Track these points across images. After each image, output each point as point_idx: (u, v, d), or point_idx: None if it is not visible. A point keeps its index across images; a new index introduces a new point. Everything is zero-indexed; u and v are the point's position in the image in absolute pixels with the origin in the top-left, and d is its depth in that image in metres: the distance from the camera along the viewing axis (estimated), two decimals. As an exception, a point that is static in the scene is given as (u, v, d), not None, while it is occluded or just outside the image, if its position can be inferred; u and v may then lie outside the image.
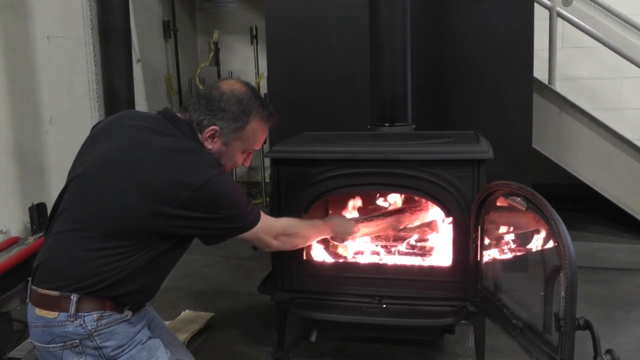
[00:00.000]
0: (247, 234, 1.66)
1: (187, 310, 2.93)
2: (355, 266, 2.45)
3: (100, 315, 1.50)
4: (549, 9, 4.00)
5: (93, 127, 1.74)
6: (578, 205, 4.63)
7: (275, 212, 2.38)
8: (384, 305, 2.32)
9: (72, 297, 1.48)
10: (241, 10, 5.20)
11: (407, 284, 2.33)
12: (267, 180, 4.88)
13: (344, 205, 2.65)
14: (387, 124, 2.64)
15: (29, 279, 1.60)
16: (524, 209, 1.81)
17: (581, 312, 2.94)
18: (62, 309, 1.48)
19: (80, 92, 3.76)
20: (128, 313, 1.57)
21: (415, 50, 2.73)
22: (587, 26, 4.09)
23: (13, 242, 3.05)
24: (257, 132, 1.70)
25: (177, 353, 1.76)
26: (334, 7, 3.47)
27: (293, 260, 2.39)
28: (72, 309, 1.48)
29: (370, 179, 2.33)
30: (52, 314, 1.49)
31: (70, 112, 3.65)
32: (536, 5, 3.42)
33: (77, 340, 1.49)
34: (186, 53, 5.07)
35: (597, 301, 3.01)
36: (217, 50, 4.93)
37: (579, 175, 3.93)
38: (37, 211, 3.23)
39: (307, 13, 3.53)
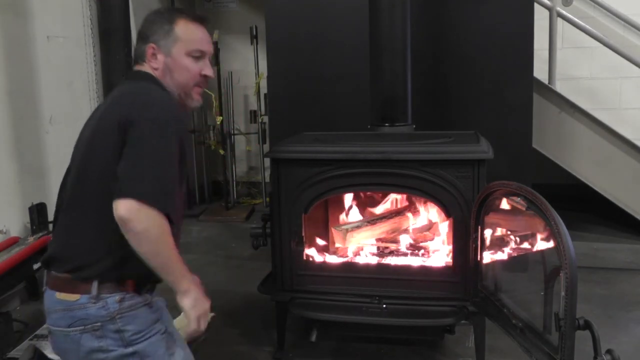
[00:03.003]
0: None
1: (187, 310, 2.92)
2: (355, 266, 2.45)
3: (122, 297, 1.49)
4: (549, 9, 4.00)
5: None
6: (578, 205, 4.62)
7: (276, 212, 2.38)
8: (384, 305, 2.32)
9: (93, 280, 1.47)
10: (241, 10, 5.20)
11: (407, 284, 2.33)
12: (267, 180, 4.88)
13: (343, 206, 2.65)
14: (387, 124, 2.64)
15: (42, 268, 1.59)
16: (524, 209, 1.81)
17: (581, 312, 2.95)
18: (84, 291, 1.47)
19: (80, 92, 3.76)
20: (147, 296, 1.56)
21: (415, 51, 2.73)
22: (587, 26, 4.09)
23: (13, 242, 3.05)
24: (191, 30, 1.64)
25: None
26: (334, 7, 3.47)
27: (293, 260, 2.39)
28: (94, 291, 1.46)
29: (370, 179, 2.33)
30: (73, 297, 1.48)
31: (70, 112, 3.64)
32: (536, 5, 3.42)
33: (99, 324, 1.47)
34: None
35: (597, 301, 3.01)
36: (217, 50, 4.93)
37: (579, 175, 3.93)
38: (37, 211, 3.23)
39: (307, 13, 3.53)
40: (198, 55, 1.64)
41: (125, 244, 1.43)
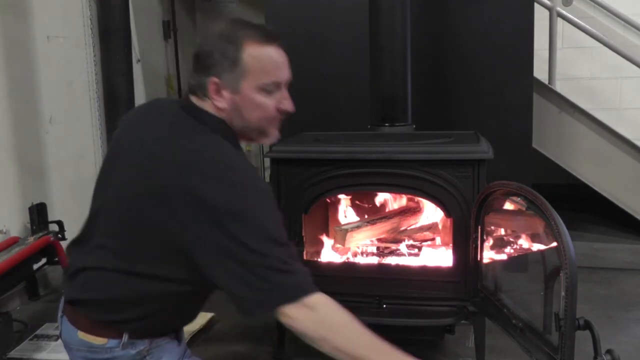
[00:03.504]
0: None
1: (187, 310, 2.92)
2: (355, 266, 2.45)
3: (150, 340, 1.38)
4: (549, 9, 4.00)
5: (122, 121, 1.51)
6: (578, 205, 4.62)
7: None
8: (384, 305, 2.31)
9: (124, 332, 1.34)
10: (241, 10, 5.20)
11: (407, 284, 2.33)
12: (267, 180, 4.88)
13: (344, 206, 2.65)
14: (387, 124, 2.64)
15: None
16: (523, 209, 1.81)
17: (581, 312, 2.95)
18: (113, 337, 1.34)
19: (80, 92, 3.76)
20: (173, 335, 1.46)
21: (415, 50, 2.73)
22: (587, 26, 4.09)
23: (13, 242, 3.05)
24: (262, 56, 1.32)
25: None
26: (334, 7, 3.47)
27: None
28: (125, 338, 1.34)
29: (370, 179, 2.33)
30: (100, 340, 1.34)
31: (70, 112, 3.64)
32: (536, 5, 3.42)
33: None
34: (186, 53, 5.06)
35: (597, 301, 3.01)
36: (217, 50, 4.93)
37: (579, 175, 3.93)
38: (37, 211, 3.22)
39: (307, 13, 3.53)
40: (272, 89, 1.35)
41: (158, 310, 1.33)
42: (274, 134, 1.41)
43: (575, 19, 4.09)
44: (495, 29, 3.28)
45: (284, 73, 1.37)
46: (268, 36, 1.34)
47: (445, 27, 3.37)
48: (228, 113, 1.34)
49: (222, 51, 1.31)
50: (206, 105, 1.35)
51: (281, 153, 2.38)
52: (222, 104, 1.33)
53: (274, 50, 1.35)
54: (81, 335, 1.35)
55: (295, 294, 1.20)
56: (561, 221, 1.64)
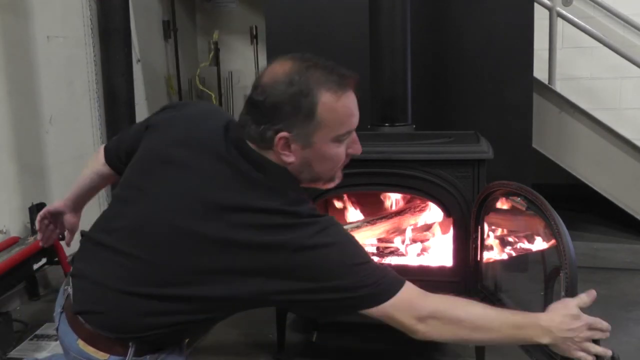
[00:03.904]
0: (373, 310, 1.22)
1: (187, 310, 2.92)
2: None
3: (155, 357, 1.30)
4: (549, 9, 4.00)
5: (157, 115, 1.43)
6: (578, 205, 4.62)
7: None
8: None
9: (130, 344, 1.25)
10: (241, 10, 5.20)
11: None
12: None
13: (344, 206, 2.65)
14: (387, 124, 2.64)
15: (66, 289, 1.36)
16: (523, 209, 1.81)
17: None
18: (115, 353, 1.26)
19: (80, 92, 3.76)
20: (177, 346, 1.38)
21: (415, 50, 2.73)
22: (587, 26, 4.09)
23: (13, 242, 3.05)
24: (338, 108, 1.20)
25: None
26: (334, 7, 3.47)
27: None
28: (129, 357, 1.26)
29: (370, 179, 2.33)
30: (101, 355, 1.27)
31: (70, 112, 3.64)
32: (536, 5, 3.42)
33: None
34: (186, 53, 5.07)
35: (597, 301, 2.99)
36: (217, 50, 4.93)
37: (579, 175, 3.93)
38: (37, 211, 3.21)
39: (307, 13, 3.53)
40: (346, 138, 1.26)
41: (177, 329, 1.26)
42: (339, 178, 1.35)
43: (575, 19, 4.09)
44: (495, 29, 3.28)
45: (357, 119, 1.27)
46: (343, 83, 1.22)
47: (445, 27, 3.37)
48: (296, 167, 1.25)
49: (294, 103, 1.18)
50: (267, 154, 1.23)
51: (281, 153, 2.37)
52: (290, 158, 1.23)
53: (348, 98, 1.23)
54: (81, 344, 1.29)
55: (389, 294, 1.21)
56: (561, 221, 1.64)
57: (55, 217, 1.71)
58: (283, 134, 1.19)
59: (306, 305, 1.24)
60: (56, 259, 3.11)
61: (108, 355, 1.26)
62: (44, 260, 3.13)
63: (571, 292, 1.56)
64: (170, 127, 1.35)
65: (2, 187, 3.13)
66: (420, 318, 1.21)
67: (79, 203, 1.69)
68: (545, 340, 1.24)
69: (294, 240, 1.16)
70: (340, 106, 1.21)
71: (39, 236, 1.75)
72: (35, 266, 3.11)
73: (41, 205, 3.27)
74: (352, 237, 1.26)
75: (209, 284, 1.20)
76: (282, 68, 1.22)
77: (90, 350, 1.27)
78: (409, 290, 1.23)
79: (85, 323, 1.28)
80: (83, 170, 1.66)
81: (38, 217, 1.70)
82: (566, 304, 1.34)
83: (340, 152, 1.27)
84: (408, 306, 1.21)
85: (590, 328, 1.32)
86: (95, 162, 1.61)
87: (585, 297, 1.38)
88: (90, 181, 1.64)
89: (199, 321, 1.28)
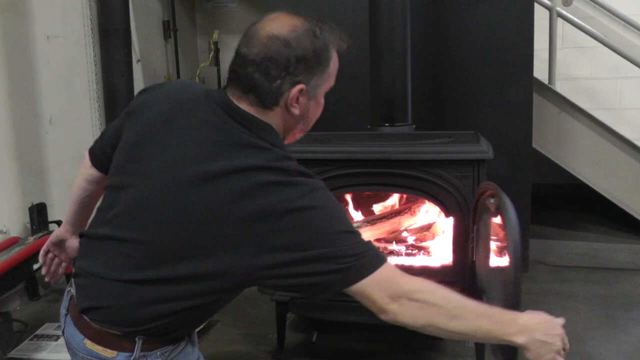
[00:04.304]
0: (353, 287, 1.17)
1: (187, 310, 2.92)
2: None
3: (162, 351, 1.28)
4: (549, 9, 4.01)
5: (139, 96, 1.39)
6: (578, 205, 4.63)
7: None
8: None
9: (137, 339, 1.24)
10: (241, 10, 5.20)
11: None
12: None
13: (344, 206, 2.65)
14: (387, 124, 2.64)
15: (69, 291, 1.34)
16: (493, 209, 1.81)
17: (581, 312, 2.97)
18: (124, 349, 1.24)
19: (80, 92, 3.76)
20: (185, 338, 1.35)
21: (415, 50, 2.73)
22: (587, 26, 4.09)
23: (13, 242, 3.06)
24: (336, 63, 1.31)
25: None
26: (334, 7, 3.47)
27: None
28: (137, 352, 1.24)
29: (370, 179, 2.33)
30: (109, 352, 1.25)
31: (70, 112, 3.64)
32: (536, 5, 3.42)
33: None
34: (186, 53, 5.07)
35: (597, 301, 3.01)
36: (217, 50, 4.93)
37: (579, 175, 3.93)
38: (37, 211, 3.23)
39: (307, 13, 3.52)
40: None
41: (188, 312, 1.24)
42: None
43: (575, 19, 4.09)
44: (495, 29, 3.28)
45: None
46: (340, 41, 1.31)
47: (445, 27, 3.37)
48: (296, 119, 1.28)
49: (318, 57, 1.23)
50: (260, 114, 1.24)
51: (281, 153, 2.37)
52: (297, 111, 1.25)
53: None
54: (88, 344, 1.27)
55: (369, 269, 1.16)
56: (516, 221, 1.58)
57: (59, 246, 1.61)
58: (301, 85, 1.22)
59: (292, 281, 1.18)
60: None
61: (116, 352, 1.25)
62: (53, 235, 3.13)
63: (512, 301, 1.48)
64: (149, 108, 1.32)
65: (2, 187, 3.13)
66: (394, 297, 1.16)
67: (80, 221, 1.58)
68: (520, 339, 1.18)
69: (281, 203, 1.13)
70: (336, 62, 1.31)
71: (43, 271, 1.60)
72: (35, 266, 3.10)
73: (41, 205, 3.27)
74: (339, 205, 1.24)
75: (201, 257, 1.18)
76: (295, 25, 1.25)
77: (98, 349, 1.26)
78: (390, 267, 1.19)
79: (90, 322, 1.26)
80: (74, 181, 1.56)
81: (41, 252, 1.60)
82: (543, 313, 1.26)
83: (323, 103, 1.33)
84: (386, 283, 1.17)
85: (563, 341, 1.23)
86: (83, 169, 1.54)
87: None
88: (83, 191, 1.55)
89: (198, 307, 1.24)
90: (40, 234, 3.16)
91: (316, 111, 1.31)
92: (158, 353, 1.27)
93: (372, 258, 1.17)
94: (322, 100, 1.31)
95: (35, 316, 2.95)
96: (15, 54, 3.23)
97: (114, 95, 3.71)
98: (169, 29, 4.82)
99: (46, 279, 1.62)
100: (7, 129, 3.17)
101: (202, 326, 2.73)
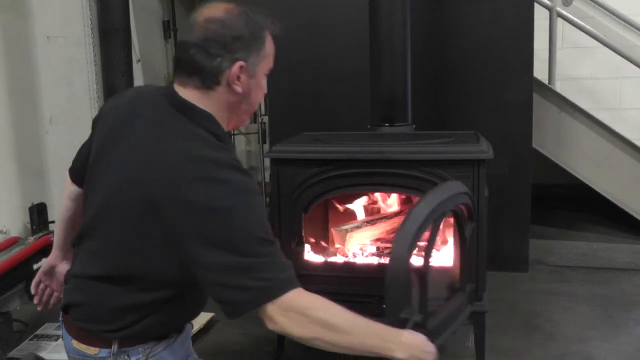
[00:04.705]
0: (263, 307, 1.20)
1: (187, 310, 2.92)
2: (355, 266, 2.45)
3: (144, 347, 1.32)
4: (549, 9, 4.01)
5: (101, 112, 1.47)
6: (578, 205, 4.63)
7: (276, 212, 2.38)
8: (384, 306, 2.31)
9: (113, 340, 1.30)
10: (241, 10, 5.19)
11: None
12: (267, 180, 4.88)
13: (344, 207, 2.65)
14: (387, 124, 2.64)
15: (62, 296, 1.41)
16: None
17: (581, 312, 2.96)
18: (104, 346, 1.30)
19: (80, 92, 3.76)
20: (173, 336, 1.38)
21: (415, 50, 2.73)
22: (587, 26, 4.10)
23: (13, 242, 3.05)
24: (272, 47, 1.37)
25: None
26: (334, 7, 3.47)
27: (292, 260, 2.39)
28: (115, 347, 1.30)
29: (370, 179, 2.33)
30: (92, 350, 1.31)
31: (70, 112, 3.64)
32: (536, 5, 3.42)
33: None
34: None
35: (597, 301, 3.01)
36: (217, 50, 4.92)
37: (579, 175, 3.93)
38: (37, 211, 3.23)
39: (307, 13, 3.53)
40: (268, 75, 1.41)
41: (163, 307, 1.29)
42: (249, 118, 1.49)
43: (575, 19, 4.09)
44: (495, 29, 3.28)
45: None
46: (275, 25, 1.39)
47: (445, 27, 3.37)
48: (239, 98, 1.34)
49: (253, 35, 1.31)
50: (203, 97, 1.31)
51: (281, 153, 2.38)
52: (239, 88, 1.31)
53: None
54: (74, 344, 1.34)
55: (276, 293, 1.19)
56: (417, 217, 1.57)
57: (50, 275, 1.64)
58: (241, 62, 1.29)
59: (214, 283, 1.20)
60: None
61: (98, 349, 1.30)
62: (44, 261, 3.13)
63: (392, 311, 1.48)
64: (111, 114, 1.40)
65: (2, 187, 3.13)
66: (286, 310, 1.19)
67: (68, 245, 1.57)
68: (400, 355, 1.26)
69: (208, 201, 1.18)
70: (272, 45, 1.37)
71: (35, 300, 1.62)
72: (35, 266, 3.10)
73: (41, 205, 3.27)
74: (263, 209, 1.26)
75: (144, 250, 1.24)
76: (229, 8, 1.32)
77: (82, 347, 1.32)
78: (297, 291, 1.22)
79: (73, 321, 1.34)
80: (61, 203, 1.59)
81: (33, 283, 1.62)
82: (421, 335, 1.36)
83: (265, 85, 1.40)
84: (286, 304, 1.20)
85: (434, 355, 1.34)
86: (66, 187, 1.57)
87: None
88: (67, 210, 1.58)
89: (163, 301, 1.28)
90: (40, 234, 3.16)
91: (258, 92, 1.37)
92: (140, 349, 1.31)
93: (283, 280, 1.21)
94: (263, 82, 1.38)
95: (35, 316, 2.95)
96: (15, 54, 3.23)
97: (114, 95, 3.71)
98: (169, 29, 4.81)
99: (38, 308, 1.64)
100: (7, 129, 3.17)
101: (195, 329, 2.74)
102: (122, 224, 1.25)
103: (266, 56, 1.35)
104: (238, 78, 1.30)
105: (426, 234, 1.64)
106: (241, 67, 1.29)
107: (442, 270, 2.32)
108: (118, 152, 1.30)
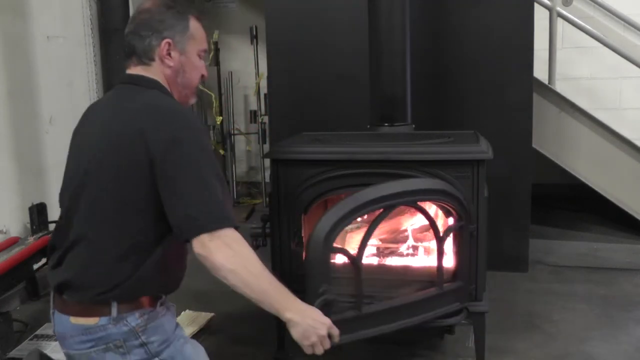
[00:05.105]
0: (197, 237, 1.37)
1: (187, 310, 2.93)
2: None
3: (142, 313, 1.45)
4: (549, 9, 4.00)
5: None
6: (578, 205, 4.63)
7: (275, 213, 2.38)
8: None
9: (112, 302, 1.42)
10: (241, 10, 5.20)
11: (407, 285, 2.33)
12: (267, 180, 4.88)
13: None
14: (386, 124, 2.64)
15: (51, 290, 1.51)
16: None
17: (581, 312, 2.96)
18: (103, 314, 1.42)
19: (80, 92, 3.76)
20: (162, 308, 1.53)
21: (415, 50, 2.73)
22: (587, 26, 4.09)
23: (13, 242, 3.06)
24: (200, 29, 1.62)
25: None
26: (334, 7, 3.47)
27: (293, 260, 2.39)
28: (114, 312, 1.42)
29: (370, 179, 2.32)
30: (91, 320, 1.42)
31: (70, 112, 3.64)
32: (536, 5, 3.42)
33: (121, 340, 1.43)
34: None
35: (597, 301, 3.01)
36: (217, 50, 4.93)
37: (579, 175, 3.93)
38: (37, 211, 3.23)
39: (307, 13, 3.53)
40: (203, 55, 1.65)
41: (142, 265, 1.42)
42: (195, 96, 1.68)
43: (575, 19, 4.09)
44: (496, 29, 3.28)
45: (207, 46, 1.67)
46: (201, 16, 1.64)
47: (445, 27, 3.37)
48: (173, 72, 1.57)
49: (175, 18, 1.56)
50: (146, 72, 1.55)
51: (281, 153, 2.37)
52: (170, 62, 1.55)
53: (202, 26, 1.64)
54: (73, 320, 1.44)
55: (214, 226, 1.37)
56: (347, 204, 1.79)
57: None
58: (167, 40, 1.54)
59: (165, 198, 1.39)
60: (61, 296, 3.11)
61: (97, 317, 1.42)
62: (44, 260, 3.13)
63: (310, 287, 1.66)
64: (82, 119, 1.63)
65: (2, 187, 3.13)
66: (217, 238, 1.37)
67: None
68: (289, 315, 1.45)
69: (167, 130, 1.40)
70: (201, 29, 1.62)
71: None
72: (35, 266, 3.11)
73: (41, 206, 3.27)
74: (210, 148, 1.48)
75: (123, 191, 1.41)
76: (156, 1, 1.59)
77: (81, 320, 1.43)
78: (232, 229, 1.40)
79: (69, 300, 1.45)
80: None
81: None
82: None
83: (201, 65, 1.63)
84: (219, 234, 1.37)
85: (329, 329, 1.51)
86: None
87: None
88: None
89: (147, 244, 1.43)
90: (40, 234, 3.16)
91: (192, 70, 1.60)
92: (137, 314, 1.44)
93: (221, 217, 1.38)
94: (197, 62, 1.61)
95: (35, 316, 2.95)
96: (15, 54, 3.23)
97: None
98: (169, 29, 4.81)
99: None
100: (7, 129, 3.17)
101: (195, 329, 2.74)
102: (103, 175, 1.43)
103: (193, 37, 1.58)
104: (169, 54, 1.55)
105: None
106: (168, 43, 1.54)
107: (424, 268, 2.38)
108: (88, 127, 1.55)
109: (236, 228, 1.40)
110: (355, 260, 2.01)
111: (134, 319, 1.43)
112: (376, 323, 2.11)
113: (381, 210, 2.08)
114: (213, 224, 1.36)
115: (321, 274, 1.84)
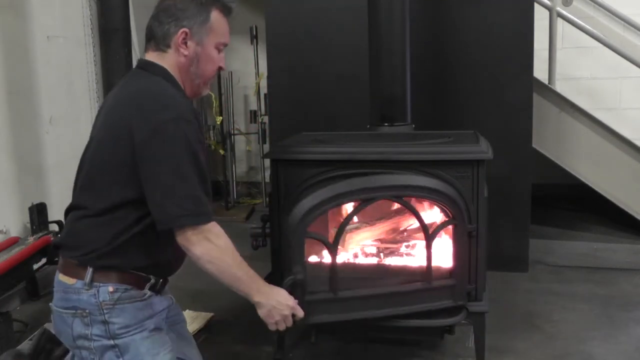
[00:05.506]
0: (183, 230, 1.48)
1: (187, 310, 2.92)
2: (355, 266, 2.45)
3: (115, 288, 1.51)
4: (549, 9, 4.01)
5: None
6: (578, 205, 4.63)
7: (275, 213, 2.38)
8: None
9: (88, 266, 1.50)
10: (241, 10, 5.17)
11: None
12: (267, 180, 4.88)
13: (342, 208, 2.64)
14: (386, 124, 2.64)
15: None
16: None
17: (581, 312, 2.96)
18: (80, 277, 1.50)
19: (80, 92, 3.76)
20: (147, 292, 1.57)
21: (414, 50, 2.73)
22: (587, 26, 4.09)
23: (13, 242, 3.06)
24: (222, 22, 1.64)
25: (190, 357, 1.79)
26: (334, 7, 3.47)
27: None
28: (88, 278, 1.49)
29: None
30: (70, 280, 1.51)
31: (70, 112, 3.65)
32: (536, 5, 3.42)
33: (88, 311, 1.50)
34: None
35: (597, 301, 3.01)
36: (217, 50, 4.92)
37: (579, 175, 3.93)
38: (37, 211, 3.23)
39: (307, 13, 3.53)
40: (222, 48, 1.67)
41: (120, 237, 1.49)
42: (208, 88, 1.71)
43: (575, 19, 4.09)
44: (495, 29, 3.28)
45: (229, 39, 1.69)
46: (227, 10, 1.65)
47: (445, 27, 3.37)
48: (187, 60, 1.59)
49: (197, 8, 1.58)
50: (159, 58, 1.60)
51: (281, 153, 2.37)
52: (186, 51, 1.58)
53: (227, 21, 1.66)
54: (60, 276, 1.55)
55: (198, 220, 1.47)
56: (323, 194, 1.91)
57: None
58: (185, 29, 1.57)
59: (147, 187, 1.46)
60: (56, 259, 3.11)
61: (75, 279, 1.51)
62: (44, 260, 3.13)
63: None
64: (105, 103, 1.68)
65: (2, 187, 3.13)
66: (201, 232, 1.48)
67: None
68: (257, 298, 1.60)
69: (154, 120, 1.45)
70: (223, 22, 1.64)
71: None
72: (35, 266, 3.11)
73: (41, 206, 3.27)
74: (196, 143, 1.50)
75: (117, 169, 1.49)
76: None
77: (64, 278, 1.53)
78: (213, 223, 1.51)
79: (61, 257, 1.57)
80: None
81: None
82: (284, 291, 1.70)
83: (217, 58, 1.65)
84: (205, 229, 1.49)
85: (293, 310, 1.66)
86: None
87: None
88: None
89: (124, 218, 1.50)
90: (40, 234, 3.16)
91: (207, 62, 1.62)
92: (110, 288, 1.50)
93: (199, 212, 1.47)
94: (213, 54, 1.63)
95: (35, 316, 2.95)
96: (15, 54, 3.23)
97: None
98: (169, 28, 4.80)
99: None
100: (7, 129, 3.17)
101: (195, 329, 2.74)
102: (96, 148, 1.54)
103: (212, 29, 1.60)
104: (185, 43, 1.58)
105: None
106: (185, 32, 1.57)
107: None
108: (102, 108, 1.64)
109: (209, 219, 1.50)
110: (330, 245, 2.11)
111: (104, 293, 1.49)
112: (354, 308, 2.17)
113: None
114: (193, 219, 1.46)
115: (294, 256, 1.97)
